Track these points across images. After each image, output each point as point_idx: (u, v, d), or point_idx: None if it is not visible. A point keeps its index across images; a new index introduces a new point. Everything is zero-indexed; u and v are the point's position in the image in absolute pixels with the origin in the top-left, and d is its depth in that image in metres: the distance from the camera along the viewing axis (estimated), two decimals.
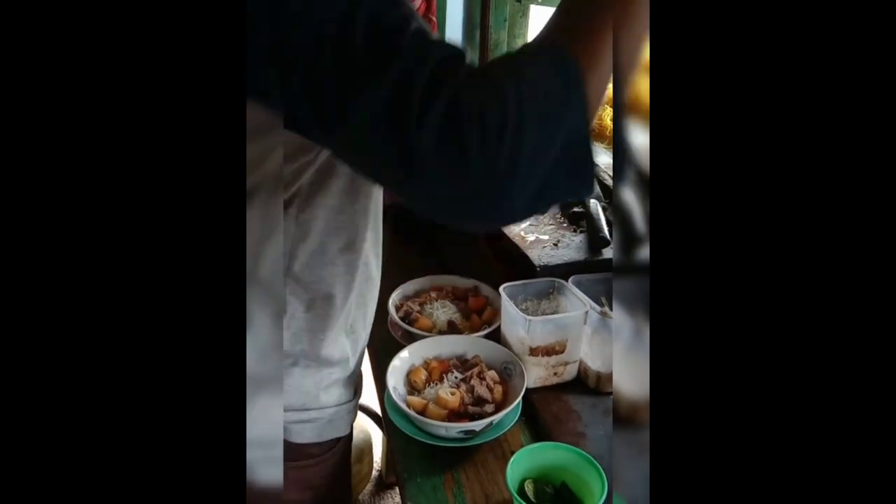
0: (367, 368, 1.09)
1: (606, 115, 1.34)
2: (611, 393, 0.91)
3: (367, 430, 1.83)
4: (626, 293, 0.60)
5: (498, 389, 0.86)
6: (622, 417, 0.61)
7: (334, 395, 0.78)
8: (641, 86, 0.49)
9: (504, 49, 1.41)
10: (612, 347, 0.90)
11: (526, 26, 1.44)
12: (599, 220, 1.04)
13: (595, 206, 1.07)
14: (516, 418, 0.84)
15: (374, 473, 1.87)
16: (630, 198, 0.55)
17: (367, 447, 1.81)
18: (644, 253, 0.52)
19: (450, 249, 1.26)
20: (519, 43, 1.45)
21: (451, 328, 0.99)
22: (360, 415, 1.86)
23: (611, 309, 0.90)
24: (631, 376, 0.63)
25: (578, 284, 0.95)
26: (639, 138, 0.54)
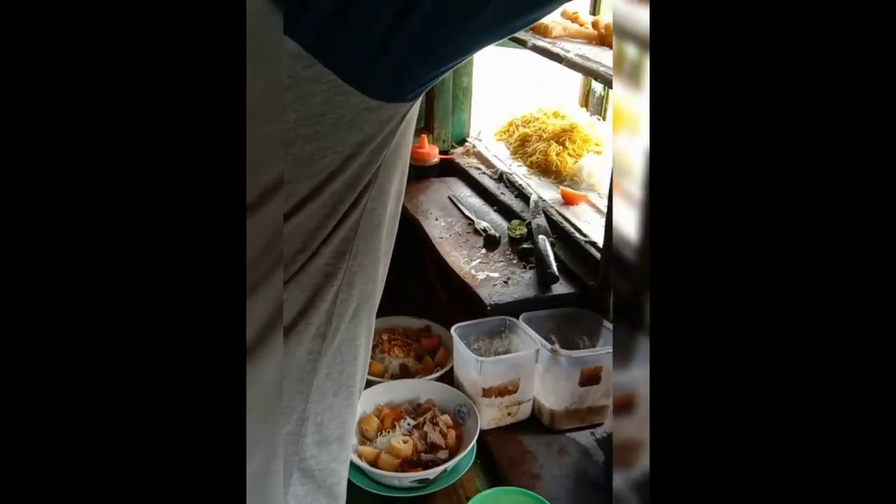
0: None
1: (552, 150, 1.36)
2: (565, 431, 0.91)
3: None
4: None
5: (451, 434, 0.85)
6: None
7: None
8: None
9: (450, 88, 1.42)
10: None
11: (471, 65, 1.47)
12: (548, 256, 1.04)
13: (543, 242, 1.08)
14: (471, 463, 0.83)
15: None
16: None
17: None
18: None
19: (402, 289, 1.25)
20: (465, 82, 1.47)
21: (404, 372, 0.98)
22: None
23: (561, 346, 0.90)
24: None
25: (529, 322, 0.95)
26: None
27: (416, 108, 0.60)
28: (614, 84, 0.49)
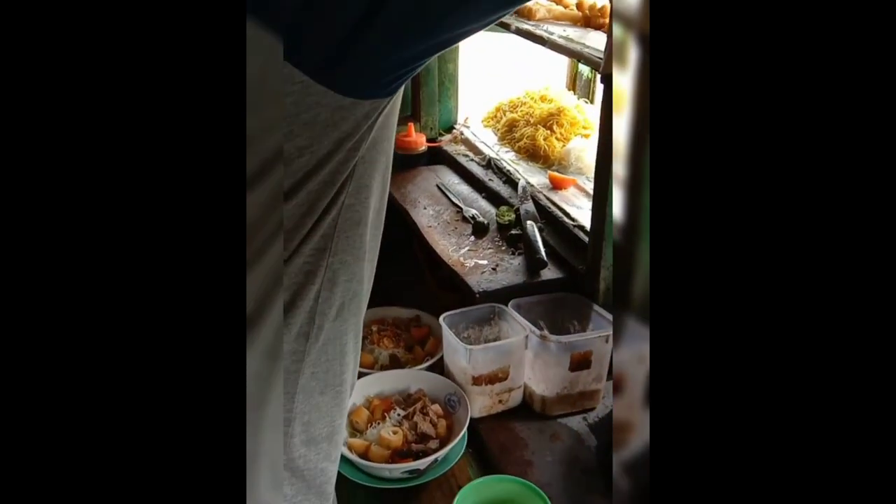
0: None
1: (540, 134, 1.35)
2: (557, 417, 0.90)
3: None
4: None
5: (442, 423, 0.84)
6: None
7: None
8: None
9: (435, 75, 1.41)
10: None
11: (456, 51, 1.45)
12: (536, 241, 1.03)
13: (532, 227, 1.07)
14: (462, 452, 0.83)
15: None
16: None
17: None
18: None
19: (391, 279, 1.24)
20: (450, 68, 1.45)
21: (394, 362, 0.97)
22: None
23: (551, 332, 0.90)
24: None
25: (518, 308, 0.94)
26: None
27: (396, 101, 0.59)
28: (614, 72, 0.48)
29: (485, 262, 1.05)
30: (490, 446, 0.86)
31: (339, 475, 0.80)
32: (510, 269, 1.03)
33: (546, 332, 0.88)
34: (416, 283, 1.21)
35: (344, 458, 0.81)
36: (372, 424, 0.85)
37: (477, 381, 0.88)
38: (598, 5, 1.13)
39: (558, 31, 1.07)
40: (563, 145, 1.32)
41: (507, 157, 1.34)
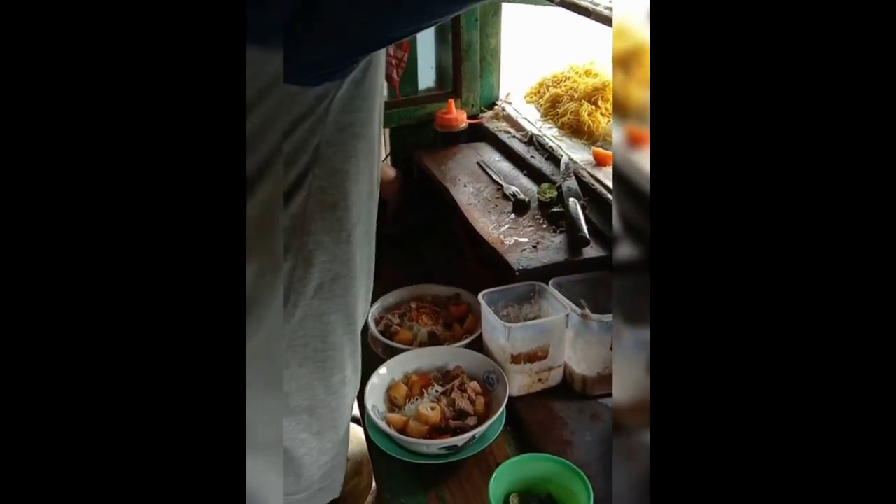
0: None
1: (584, 110, 1.32)
2: (598, 397, 0.89)
3: (364, 442, 1.80)
4: (620, 295, 0.58)
5: (480, 401, 0.84)
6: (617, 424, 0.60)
7: None
8: (629, 87, 0.48)
9: (477, 50, 1.38)
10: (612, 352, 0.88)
11: (498, 25, 1.42)
12: (579, 219, 1.01)
13: (574, 205, 1.04)
14: (500, 429, 0.82)
15: (375, 485, 1.85)
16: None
17: (365, 459, 1.78)
18: (621, 250, 0.50)
19: (432, 257, 1.24)
20: (492, 43, 1.43)
21: (433, 339, 0.97)
22: (356, 427, 1.84)
23: (593, 311, 0.88)
24: (626, 382, 0.61)
25: (559, 287, 0.93)
26: (617, 136, 0.52)
27: (365, 87, 0.60)
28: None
29: (525, 239, 1.03)
30: (529, 425, 0.85)
31: (377, 449, 0.81)
32: (551, 247, 1.01)
33: (587, 311, 0.86)
34: (455, 260, 1.21)
35: (382, 433, 0.81)
36: (410, 400, 0.85)
37: (516, 359, 0.87)
38: None
39: (604, 3, 1.04)
40: (608, 121, 1.28)
41: (550, 134, 1.31)
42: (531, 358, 0.88)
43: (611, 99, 1.31)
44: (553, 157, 1.23)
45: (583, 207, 1.04)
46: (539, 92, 1.45)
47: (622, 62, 0.48)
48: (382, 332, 0.98)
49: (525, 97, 1.48)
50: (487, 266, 1.10)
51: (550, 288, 0.92)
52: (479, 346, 0.94)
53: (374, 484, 1.85)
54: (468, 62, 1.38)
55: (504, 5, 1.41)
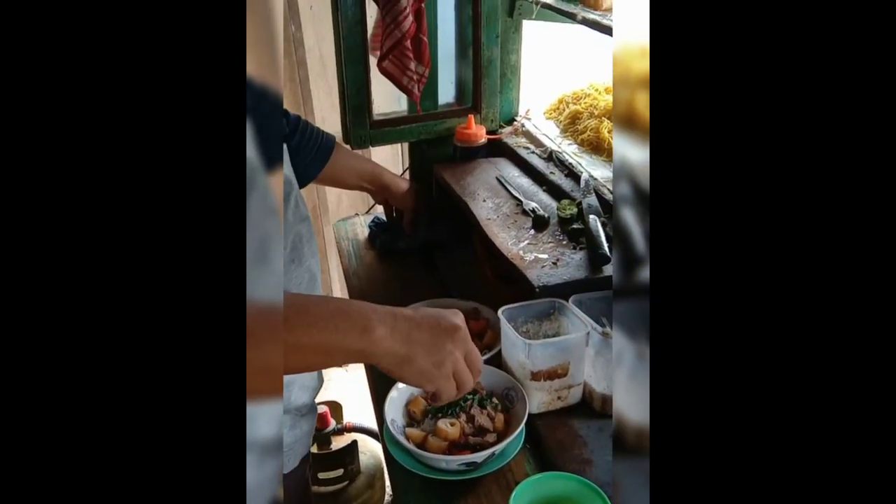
0: (368, 399, 1.07)
1: (604, 127, 1.32)
2: None
3: (379, 455, 1.80)
4: (626, 316, 0.58)
5: (499, 418, 0.84)
6: (628, 445, 0.59)
7: None
8: (638, 102, 0.48)
9: (497, 66, 1.39)
10: (614, 371, 0.87)
11: (519, 41, 1.43)
12: (599, 236, 1.01)
13: (595, 222, 1.04)
14: (519, 447, 0.82)
15: (387, 498, 1.84)
16: (629, 217, 0.54)
17: (379, 472, 1.78)
18: (644, 274, 0.51)
19: (450, 271, 1.24)
20: (512, 59, 1.44)
21: None
22: (370, 440, 1.83)
23: (611, 329, 0.87)
24: (634, 402, 0.61)
25: (579, 304, 0.92)
26: (636, 154, 0.52)
27: None
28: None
29: (545, 256, 1.03)
30: (548, 443, 0.84)
31: (395, 463, 0.81)
32: (571, 264, 1.01)
33: (608, 329, 0.86)
34: (474, 275, 1.21)
35: (401, 447, 0.81)
36: (429, 415, 0.85)
37: (535, 376, 0.87)
38: None
39: None
40: None
41: (570, 150, 1.32)
42: (551, 375, 0.88)
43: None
44: (572, 174, 1.24)
45: (603, 225, 1.04)
46: (559, 108, 1.46)
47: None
48: None
49: (544, 113, 1.49)
50: (506, 282, 1.10)
51: (571, 305, 0.92)
52: (497, 361, 0.94)
53: (386, 498, 1.84)
54: (488, 78, 1.39)
55: (525, 22, 1.42)
